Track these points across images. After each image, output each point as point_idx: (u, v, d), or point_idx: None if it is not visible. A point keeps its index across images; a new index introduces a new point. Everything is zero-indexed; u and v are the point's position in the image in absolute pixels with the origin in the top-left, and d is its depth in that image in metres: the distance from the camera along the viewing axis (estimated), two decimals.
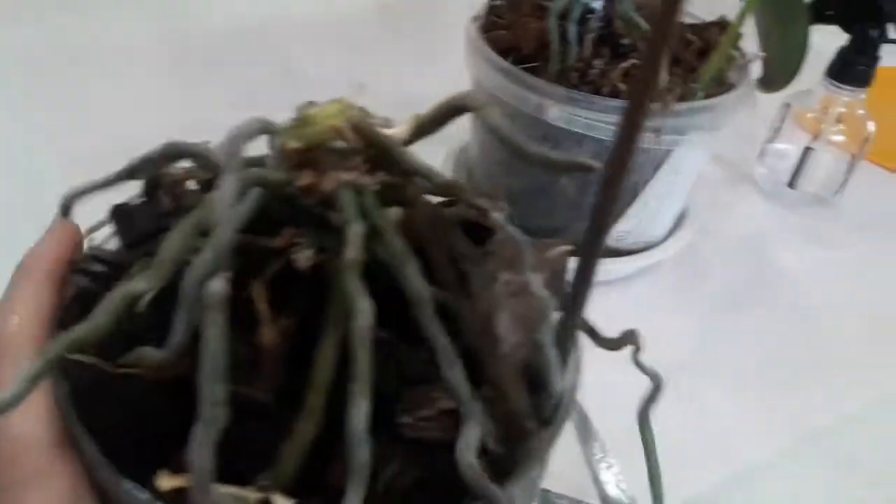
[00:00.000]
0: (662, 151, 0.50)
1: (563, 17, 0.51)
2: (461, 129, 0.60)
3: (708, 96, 0.50)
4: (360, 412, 0.18)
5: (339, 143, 0.21)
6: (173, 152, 0.23)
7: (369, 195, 0.21)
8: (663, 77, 0.50)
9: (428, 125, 0.22)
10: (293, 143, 0.21)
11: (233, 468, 0.18)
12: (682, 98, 0.49)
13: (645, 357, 0.52)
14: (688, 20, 0.57)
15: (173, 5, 0.83)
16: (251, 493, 0.19)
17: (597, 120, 0.47)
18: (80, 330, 0.18)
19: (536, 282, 0.22)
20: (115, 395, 0.21)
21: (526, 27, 0.52)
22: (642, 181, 0.52)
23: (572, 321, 0.23)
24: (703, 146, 0.53)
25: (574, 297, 0.23)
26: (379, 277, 0.20)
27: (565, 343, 0.23)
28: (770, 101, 0.62)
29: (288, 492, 0.19)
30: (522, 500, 0.21)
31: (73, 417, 0.21)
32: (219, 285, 0.18)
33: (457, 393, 0.20)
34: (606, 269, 0.56)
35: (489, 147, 0.56)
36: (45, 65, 0.70)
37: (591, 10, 0.52)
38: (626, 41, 0.52)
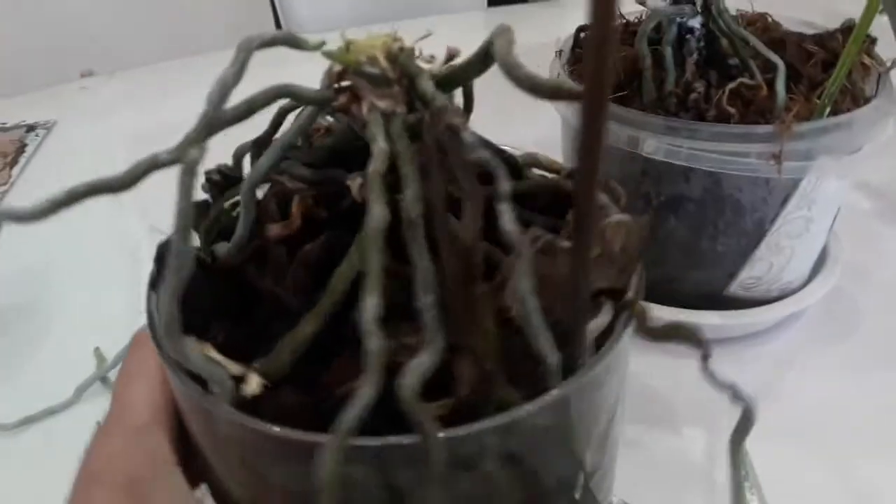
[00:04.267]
0: (788, 182, 0.43)
1: (658, 40, 0.45)
2: None
3: (838, 113, 0.42)
4: (370, 304, 0.19)
5: (375, 71, 0.22)
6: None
7: (397, 122, 0.22)
8: (781, 95, 0.43)
9: (461, 72, 0.23)
10: (335, 66, 0.23)
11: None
12: (806, 117, 0.42)
13: (788, 419, 0.45)
14: (808, 30, 0.50)
15: None
16: (230, 365, 0.20)
17: (702, 150, 0.41)
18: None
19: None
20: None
21: (615, 55, 0.46)
22: (768, 218, 0.44)
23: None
24: (838, 172, 0.44)
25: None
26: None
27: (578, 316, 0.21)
28: None
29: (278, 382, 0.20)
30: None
31: None
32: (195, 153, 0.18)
33: (424, 319, 0.19)
34: (737, 322, 0.48)
35: None
36: None
37: (690, 30, 0.46)
38: (733, 61, 0.46)
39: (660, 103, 0.44)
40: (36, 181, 0.74)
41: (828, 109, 0.42)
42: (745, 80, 0.43)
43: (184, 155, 0.18)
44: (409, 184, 0.20)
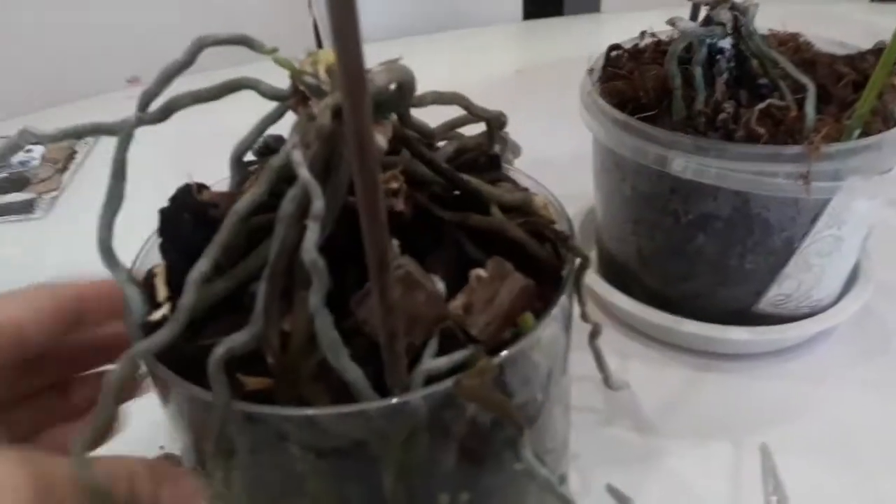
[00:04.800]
0: (817, 201, 0.43)
1: (688, 60, 0.46)
2: (586, 191, 0.56)
3: (868, 134, 0.43)
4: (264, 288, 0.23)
5: (313, 81, 0.25)
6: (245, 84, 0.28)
7: (312, 127, 0.24)
8: (810, 116, 0.43)
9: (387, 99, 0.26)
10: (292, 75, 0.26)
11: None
12: (836, 138, 0.42)
13: (816, 435, 0.45)
14: (840, 51, 0.50)
15: None
16: (161, 290, 0.27)
17: (731, 169, 0.41)
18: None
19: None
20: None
21: (645, 75, 0.47)
22: (797, 237, 0.45)
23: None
24: (869, 192, 0.45)
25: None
26: None
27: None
28: None
29: None
30: None
31: None
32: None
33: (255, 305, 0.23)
34: (766, 338, 0.49)
35: (615, 207, 0.51)
36: None
37: (720, 51, 0.46)
38: (763, 81, 0.46)
39: (689, 122, 0.44)
40: (85, 187, 0.76)
41: (857, 131, 0.43)
42: (775, 100, 0.43)
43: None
44: (295, 184, 0.23)
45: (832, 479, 0.42)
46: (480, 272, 0.25)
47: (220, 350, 0.21)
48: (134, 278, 0.27)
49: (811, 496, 0.41)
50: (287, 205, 0.23)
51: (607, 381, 0.35)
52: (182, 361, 0.24)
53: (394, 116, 0.28)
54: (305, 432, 0.23)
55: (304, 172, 0.22)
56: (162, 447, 0.40)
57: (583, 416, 0.47)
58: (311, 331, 0.22)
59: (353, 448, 0.24)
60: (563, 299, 0.26)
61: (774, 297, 0.47)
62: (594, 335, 0.32)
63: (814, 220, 0.44)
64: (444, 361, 0.24)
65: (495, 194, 0.30)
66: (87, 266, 0.63)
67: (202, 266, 0.24)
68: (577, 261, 0.28)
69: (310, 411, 0.22)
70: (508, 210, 0.30)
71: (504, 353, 0.24)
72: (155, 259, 0.30)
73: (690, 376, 0.50)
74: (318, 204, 0.21)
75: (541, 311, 0.26)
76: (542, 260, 0.27)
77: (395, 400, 0.23)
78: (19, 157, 0.82)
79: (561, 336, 0.28)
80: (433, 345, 0.24)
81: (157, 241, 0.30)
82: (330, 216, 0.23)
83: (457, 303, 0.25)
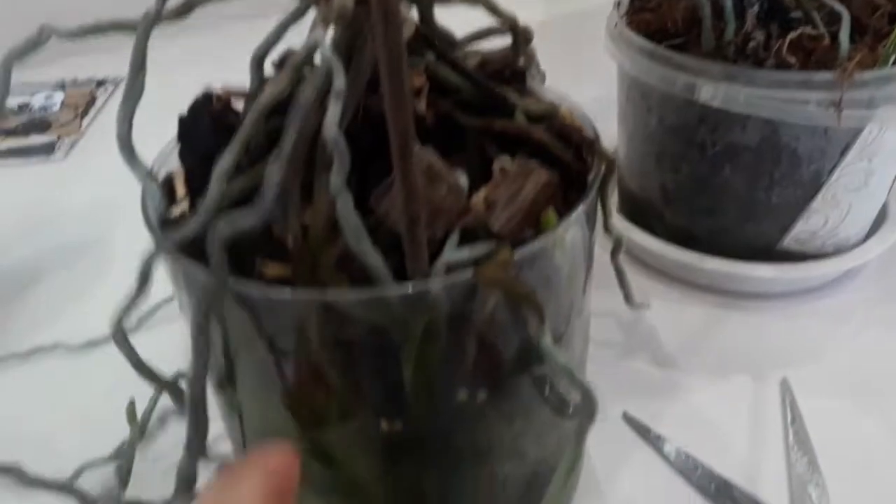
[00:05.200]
0: (847, 131, 0.42)
1: None
2: (609, 138, 0.55)
3: None
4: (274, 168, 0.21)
5: None
6: None
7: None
8: (844, 45, 0.42)
9: None
10: None
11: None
12: (869, 66, 0.41)
13: (839, 374, 0.44)
14: None
15: None
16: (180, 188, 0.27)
17: (761, 97, 0.40)
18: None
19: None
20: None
21: (674, 6, 0.46)
22: (826, 169, 0.44)
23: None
24: None
25: None
26: None
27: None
28: None
29: None
30: None
31: None
32: None
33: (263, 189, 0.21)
34: (791, 276, 0.48)
35: (639, 142, 0.50)
36: None
37: None
38: (795, 14, 0.45)
39: (718, 52, 0.43)
40: (105, 131, 0.76)
41: (892, 58, 0.41)
42: (808, 30, 0.42)
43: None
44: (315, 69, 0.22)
45: (853, 418, 0.42)
46: (505, 161, 0.24)
47: (223, 227, 0.21)
48: (153, 174, 0.27)
49: (831, 433, 0.40)
50: (307, 89, 0.22)
51: (628, 298, 0.34)
52: (204, 258, 0.24)
53: (415, 15, 0.27)
54: (324, 320, 0.23)
55: (325, 50, 0.21)
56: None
57: (601, 351, 0.46)
58: (333, 216, 0.22)
59: (372, 339, 0.24)
60: (587, 203, 0.26)
61: (800, 233, 0.47)
62: (616, 249, 0.31)
63: (844, 151, 0.43)
64: (465, 253, 0.23)
65: (521, 102, 0.29)
66: (103, 206, 0.63)
67: (227, 159, 0.23)
68: (604, 166, 0.27)
69: (330, 295, 0.22)
70: (534, 120, 0.29)
71: (526, 247, 0.23)
72: (173, 167, 0.30)
73: (712, 315, 0.49)
74: (339, 81, 0.21)
75: (564, 214, 0.25)
76: (567, 164, 0.27)
77: (415, 287, 0.22)
78: (40, 101, 0.83)
79: (583, 244, 0.28)
80: (454, 238, 0.24)
81: (175, 148, 0.30)
82: (352, 100, 0.23)
83: (479, 197, 0.24)
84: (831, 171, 0.44)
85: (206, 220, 0.23)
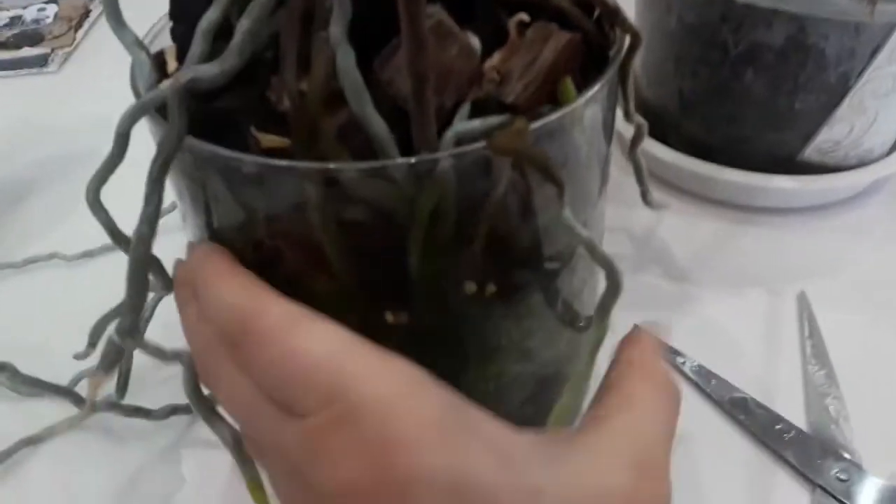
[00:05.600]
0: (879, 30, 0.40)
1: None
2: None
3: None
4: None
5: None
6: None
7: None
8: None
9: None
10: None
11: None
12: None
13: (858, 289, 0.43)
14: None
15: None
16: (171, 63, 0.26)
17: None
18: None
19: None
20: None
21: None
22: (854, 73, 0.42)
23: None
24: None
25: None
26: None
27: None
28: None
29: None
30: None
31: None
32: None
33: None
34: (812, 188, 0.46)
35: (656, 45, 0.47)
36: None
37: None
38: None
39: None
40: (99, 44, 0.74)
41: None
42: None
43: None
44: None
45: (872, 332, 0.40)
46: (522, 17, 0.22)
47: (183, 73, 0.19)
48: (142, 42, 0.25)
49: (849, 347, 0.39)
50: None
51: (645, 196, 0.32)
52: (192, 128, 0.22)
53: None
54: (325, 196, 0.21)
55: None
56: None
57: None
58: (333, 79, 0.20)
59: (377, 220, 0.22)
60: (608, 77, 0.24)
61: (823, 142, 0.45)
62: (637, 139, 0.29)
63: (874, 53, 0.41)
64: (476, 124, 0.21)
65: None
66: (98, 118, 0.61)
67: (211, 13, 0.21)
68: (627, 39, 0.25)
69: (330, 165, 0.20)
70: None
71: (543, 119, 0.22)
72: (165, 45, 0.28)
73: (728, 229, 0.48)
74: None
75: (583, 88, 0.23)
76: (588, 34, 0.25)
77: (421, 158, 0.20)
78: (33, 14, 0.80)
79: (603, 126, 0.26)
80: (465, 110, 0.22)
81: (167, 25, 0.28)
82: None
83: (493, 62, 0.22)
84: (859, 75, 0.42)
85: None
